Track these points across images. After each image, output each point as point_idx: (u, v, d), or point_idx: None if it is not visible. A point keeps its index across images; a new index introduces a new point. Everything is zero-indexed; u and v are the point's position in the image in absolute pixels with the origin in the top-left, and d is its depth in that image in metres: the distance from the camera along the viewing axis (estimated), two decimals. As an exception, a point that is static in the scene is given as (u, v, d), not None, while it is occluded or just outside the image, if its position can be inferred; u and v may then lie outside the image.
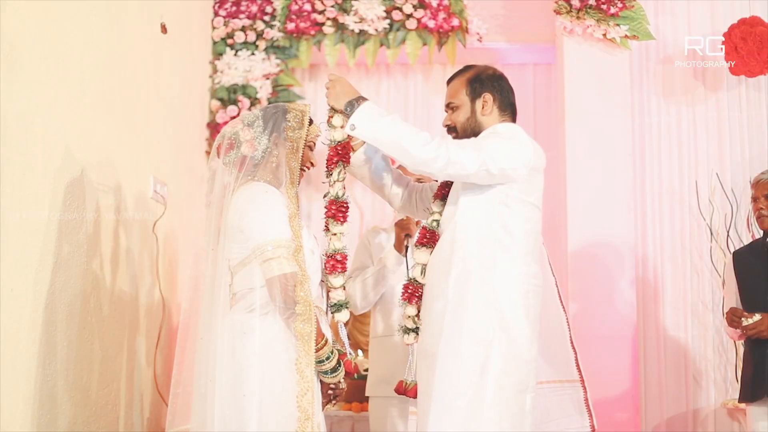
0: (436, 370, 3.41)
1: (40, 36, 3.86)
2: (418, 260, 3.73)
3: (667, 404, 6.22)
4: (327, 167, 3.71)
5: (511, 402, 3.41)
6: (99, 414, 4.39)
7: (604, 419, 5.66)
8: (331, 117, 3.68)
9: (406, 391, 3.72)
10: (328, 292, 3.62)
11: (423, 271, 3.69)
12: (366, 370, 4.91)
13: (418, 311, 3.69)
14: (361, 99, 3.57)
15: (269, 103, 6.49)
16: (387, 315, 4.43)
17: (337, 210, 3.60)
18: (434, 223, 3.73)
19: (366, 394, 4.52)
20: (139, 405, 4.96)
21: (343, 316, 3.60)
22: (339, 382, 3.50)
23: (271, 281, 3.30)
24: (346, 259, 3.59)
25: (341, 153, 3.66)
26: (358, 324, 6.01)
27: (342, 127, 3.61)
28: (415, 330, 3.70)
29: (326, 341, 3.40)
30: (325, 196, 3.69)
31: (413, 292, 3.71)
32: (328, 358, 3.39)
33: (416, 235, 3.87)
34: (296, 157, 3.55)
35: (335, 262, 3.57)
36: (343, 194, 3.62)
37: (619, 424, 5.71)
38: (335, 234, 3.59)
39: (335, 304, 3.58)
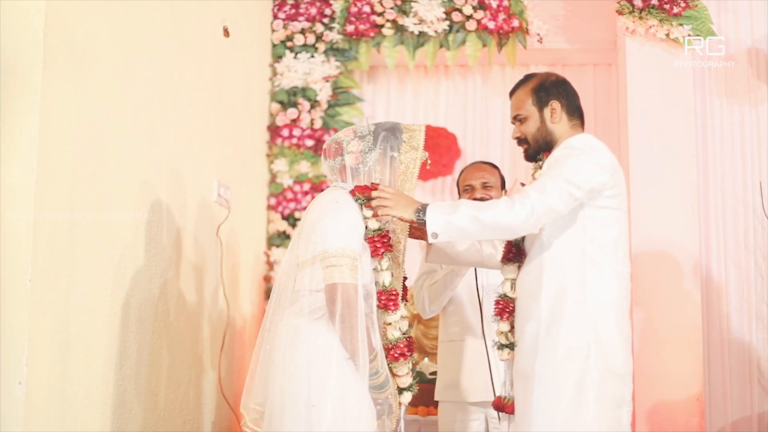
0: (533, 392, 3.39)
1: (109, 42, 3.89)
2: (505, 275, 3.66)
3: (732, 407, 6.15)
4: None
5: (610, 416, 3.38)
6: (166, 418, 4.42)
7: (669, 422, 5.62)
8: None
9: (504, 407, 3.67)
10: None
11: (512, 286, 3.63)
12: (432, 374, 4.89)
13: (511, 327, 3.62)
14: (423, 205, 3.39)
15: (329, 104, 6.52)
16: (455, 319, 4.40)
17: (387, 299, 3.45)
18: (519, 239, 3.66)
19: (435, 399, 4.50)
20: (204, 409, 4.99)
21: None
22: (387, 398, 3.44)
23: (331, 288, 3.27)
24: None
25: (384, 242, 3.45)
26: (424, 328, 5.98)
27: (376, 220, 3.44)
28: (509, 346, 3.63)
29: (375, 355, 3.35)
30: None
31: (504, 307, 3.64)
32: (376, 373, 3.34)
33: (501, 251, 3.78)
34: (411, 180, 3.52)
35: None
36: (390, 282, 3.44)
37: (683, 427, 5.65)
38: (389, 323, 3.45)
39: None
